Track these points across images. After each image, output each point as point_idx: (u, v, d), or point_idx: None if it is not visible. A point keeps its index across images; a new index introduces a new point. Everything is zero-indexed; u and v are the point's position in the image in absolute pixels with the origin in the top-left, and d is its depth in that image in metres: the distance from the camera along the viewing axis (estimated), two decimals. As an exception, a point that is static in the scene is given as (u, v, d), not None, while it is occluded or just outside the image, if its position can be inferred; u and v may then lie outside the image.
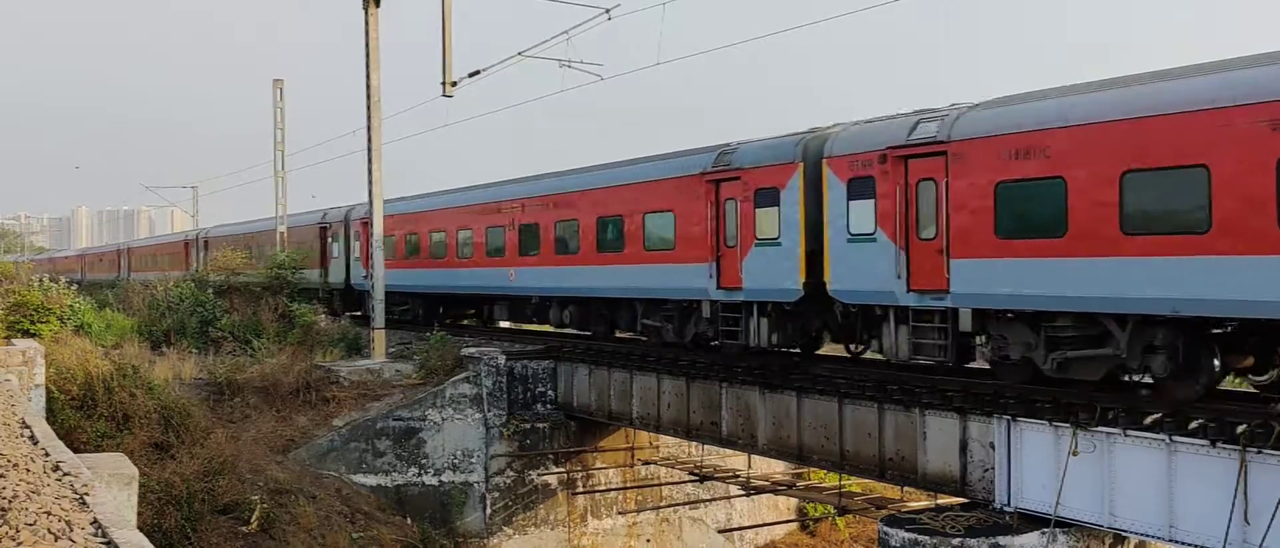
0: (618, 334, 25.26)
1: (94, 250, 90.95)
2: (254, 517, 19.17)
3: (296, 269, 36.96)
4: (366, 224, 33.96)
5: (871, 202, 16.75)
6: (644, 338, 23.67)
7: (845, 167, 17.29)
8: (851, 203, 17.11)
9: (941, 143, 15.63)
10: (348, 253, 37.37)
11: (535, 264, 26.21)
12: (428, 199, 33.42)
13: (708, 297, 20.43)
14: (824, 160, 17.73)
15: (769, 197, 18.96)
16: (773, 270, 18.78)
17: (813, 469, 22.26)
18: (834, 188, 17.48)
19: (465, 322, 34.39)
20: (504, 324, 31.83)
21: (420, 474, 23.56)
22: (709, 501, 26.27)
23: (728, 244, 19.86)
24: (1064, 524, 14.16)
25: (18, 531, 6.00)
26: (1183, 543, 12.87)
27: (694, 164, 20.87)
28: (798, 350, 20.23)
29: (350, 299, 38.48)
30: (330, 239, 39.29)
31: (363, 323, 33.96)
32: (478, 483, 23.99)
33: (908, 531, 14.35)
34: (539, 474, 24.61)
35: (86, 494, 7.26)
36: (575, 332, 26.58)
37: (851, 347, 19.42)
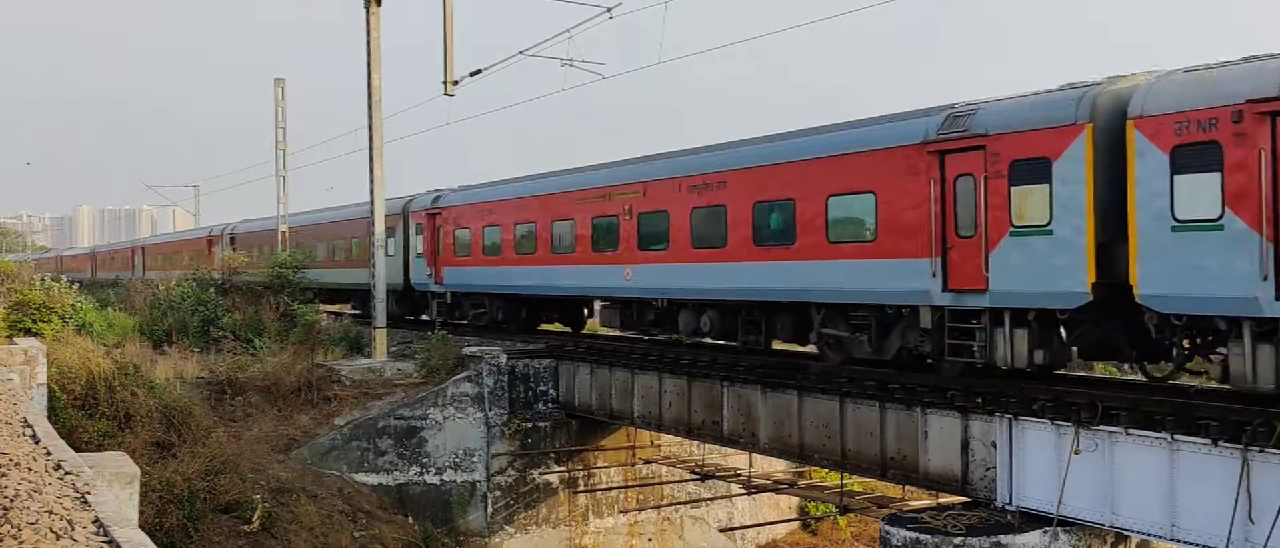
0: (775, 345, 20.87)
1: (106, 248, 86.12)
2: (256, 516, 19.17)
3: (298, 269, 36.41)
4: (432, 216, 31.38)
5: (1216, 176, 12.57)
6: (816, 353, 19.35)
7: (1167, 129, 13.06)
8: (1178, 177, 12.95)
9: None
10: (407, 249, 33.30)
11: (662, 261, 21.72)
12: (514, 185, 28.67)
13: (928, 301, 15.96)
14: (1129, 121, 13.47)
15: (1033, 170, 14.60)
16: (1040, 267, 14.49)
17: (814, 468, 22.27)
18: (1147, 158, 13.23)
19: (552, 327, 30.79)
20: (607, 331, 28.20)
21: (422, 473, 23.56)
22: (710, 500, 26.27)
23: (961, 233, 15.49)
24: (1066, 524, 14.14)
25: (20, 529, 6.00)
26: (1185, 543, 12.85)
27: (909, 132, 16.44)
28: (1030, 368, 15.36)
29: (409, 301, 34.63)
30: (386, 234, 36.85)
31: (428, 328, 31.44)
32: (479, 482, 23.99)
33: (909, 529, 14.33)
34: (541, 473, 24.61)
35: (88, 493, 7.25)
36: (716, 342, 22.25)
37: (1149, 366, 15.13)
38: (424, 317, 34.34)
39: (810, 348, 20.22)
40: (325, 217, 41.31)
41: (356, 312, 39.50)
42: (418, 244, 32.55)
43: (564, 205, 25.39)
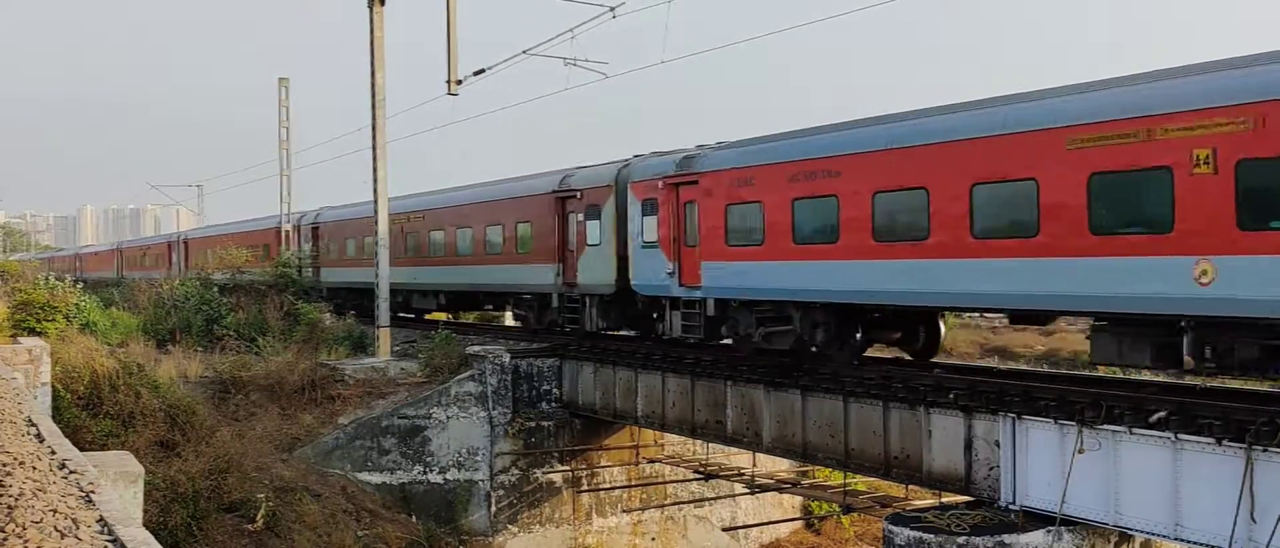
0: None
1: (133, 243, 76.99)
2: (259, 515, 19.19)
3: (300, 268, 36.23)
4: (676, 187, 21.63)
5: None
6: None
7: None
8: None
9: None
10: (622, 235, 23.61)
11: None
12: (872, 130, 17.60)
13: None
14: None
15: None
16: None
17: (817, 468, 22.27)
18: None
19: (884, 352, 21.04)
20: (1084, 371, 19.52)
21: (425, 472, 23.58)
22: (714, 499, 26.27)
23: None
24: (1069, 523, 14.13)
25: (24, 528, 6.01)
26: (1189, 542, 12.85)
27: None
28: None
29: (618, 308, 24.62)
30: (580, 216, 25.35)
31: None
32: (482, 481, 24.00)
33: (913, 529, 14.33)
34: (544, 472, 24.62)
35: (92, 492, 7.26)
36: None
37: None
38: (657, 333, 23.68)
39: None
40: (455, 199, 32.16)
41: (517, 323, 30.34)
42: (646, 229, 22.75)
43: (1005, 157, 14.97)
